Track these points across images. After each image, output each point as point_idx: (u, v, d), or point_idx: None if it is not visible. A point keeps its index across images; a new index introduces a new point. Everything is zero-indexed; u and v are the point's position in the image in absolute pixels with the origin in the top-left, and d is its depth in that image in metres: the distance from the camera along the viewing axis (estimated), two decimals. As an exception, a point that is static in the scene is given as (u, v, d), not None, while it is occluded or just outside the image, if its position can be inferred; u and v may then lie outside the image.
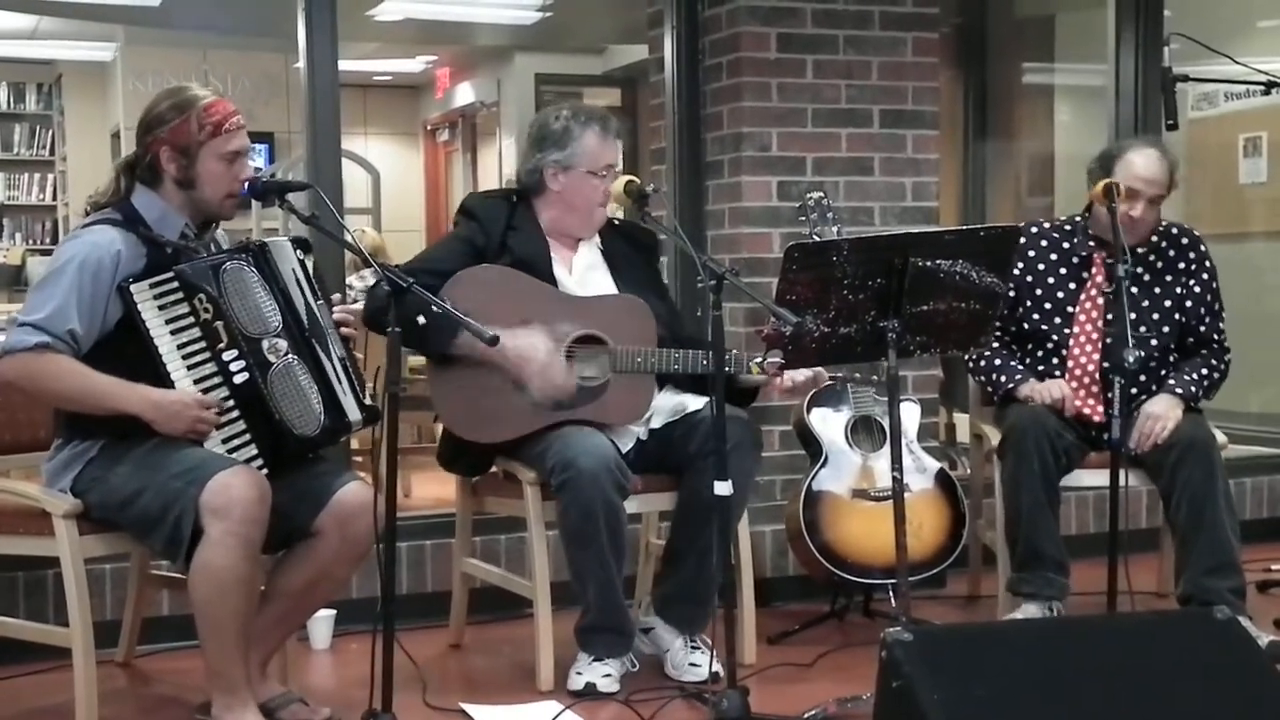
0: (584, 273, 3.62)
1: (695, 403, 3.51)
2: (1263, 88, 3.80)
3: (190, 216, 3.08)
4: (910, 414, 4.05)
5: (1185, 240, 3.98)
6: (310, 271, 3.14)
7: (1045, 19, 6.96)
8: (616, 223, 3.71)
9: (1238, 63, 3.87)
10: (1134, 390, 3.86)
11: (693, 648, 3.58)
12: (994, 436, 3.93)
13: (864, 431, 3.98)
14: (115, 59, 10.51)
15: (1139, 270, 3.91)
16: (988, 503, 4.14)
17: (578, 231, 3.63)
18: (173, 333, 2.96)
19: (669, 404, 3.57)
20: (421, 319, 3.21)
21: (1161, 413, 3.78)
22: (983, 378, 3.99)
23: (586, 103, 4.47)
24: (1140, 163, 3.81)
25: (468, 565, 3.85)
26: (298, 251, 3.13)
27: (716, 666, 3.57)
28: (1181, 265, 3.96)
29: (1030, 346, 3.96)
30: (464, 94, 11.71)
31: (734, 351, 3.48)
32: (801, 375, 3.45)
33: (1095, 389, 3.85)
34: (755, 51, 4.29)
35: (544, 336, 3.42)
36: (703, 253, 3.44)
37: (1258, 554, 4.47)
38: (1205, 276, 3.96)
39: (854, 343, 3.16)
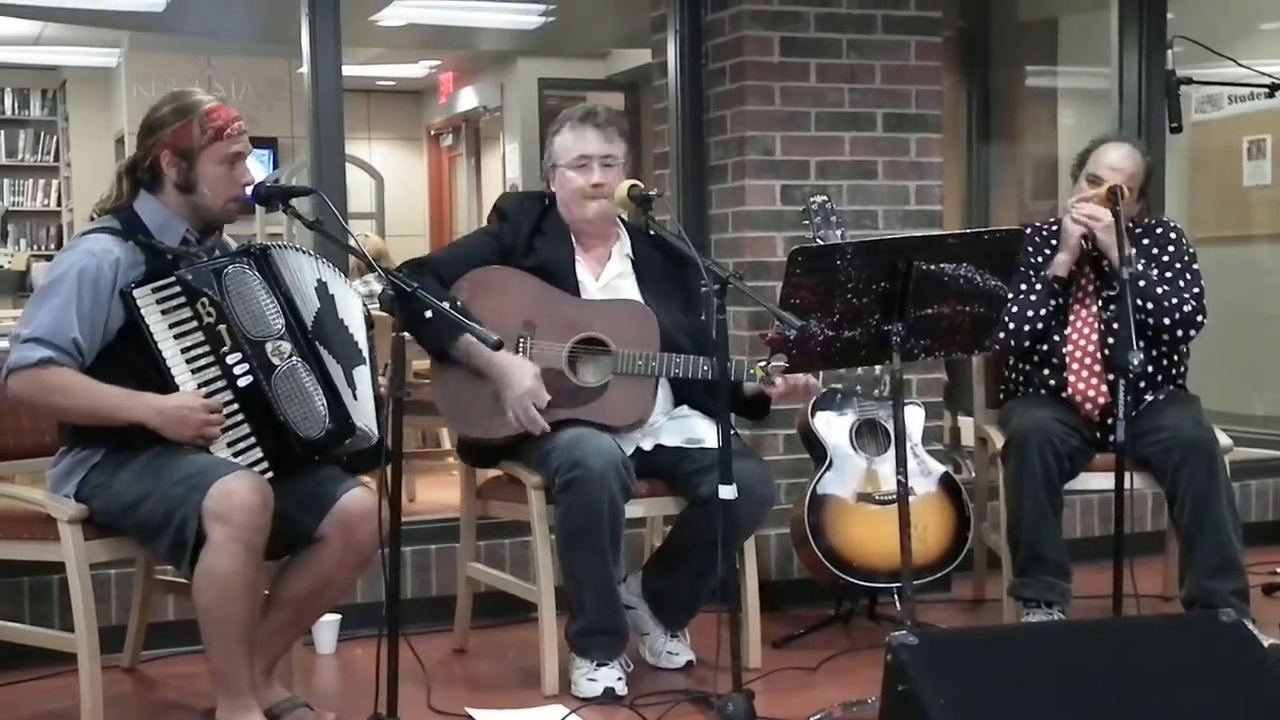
0: (612, 279, 3.63)
1: (710, 433, 3.42)
2: (1266, 90, 3.79)
3: (192, 222, 3.09)
4: (915, 417, 4.05)
5: (1159, 230, 4.02)
6: (368, 318, 3.21)
7: (1048, 22, 6.96)
8: (652, 234, 3.66)
9: (1241, 65, 3.87)
10: (1141, 384, 3.87)
11: (672, 636, 3.67)
12: (998, 440, 3.93)
13: (868, 435, 3.98)
14: (119, 65, 10.52)
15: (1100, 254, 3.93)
16: (992, 506, 4.14)
17: (581, 229, 3.62)
18: (176, 337, 2.97)
19: (681, 425, 3.57)
20: (429, 314, 3.26)
21: (1100, 214, 3.78)
22: (1031, 312, 3.90)
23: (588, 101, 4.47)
24: (1110, 151, 3.91)
25: (472, 570, 3.85)
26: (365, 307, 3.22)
27: (691, 655, 3.63)
28: (1156, 252, 3.97)
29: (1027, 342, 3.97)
30: (467, 99, 11.72)
31: (735, 359, 3.46)
32: (800, 377, 3.43)
33: (1098, 369, 3.85)
34: (758, 56, 4.29)
35: (528, 367, 3.43)
36: (706, 257, 3.43)
37: (1263, 556, 4.47)
38: (1186, 258, 3.95)
39: (858, 346, 3.16)
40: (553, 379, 3.47)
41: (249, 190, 3.08)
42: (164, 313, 2.96)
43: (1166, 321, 3.84)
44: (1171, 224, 4.06)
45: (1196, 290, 3.90)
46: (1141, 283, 3.81)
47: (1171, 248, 3.97)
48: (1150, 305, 3.82)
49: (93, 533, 3.01)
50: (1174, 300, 3.85)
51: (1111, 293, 3.87)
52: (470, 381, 3.46)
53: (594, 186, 3.53)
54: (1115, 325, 3.79)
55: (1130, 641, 2.62)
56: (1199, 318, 3.87)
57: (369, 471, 3.20)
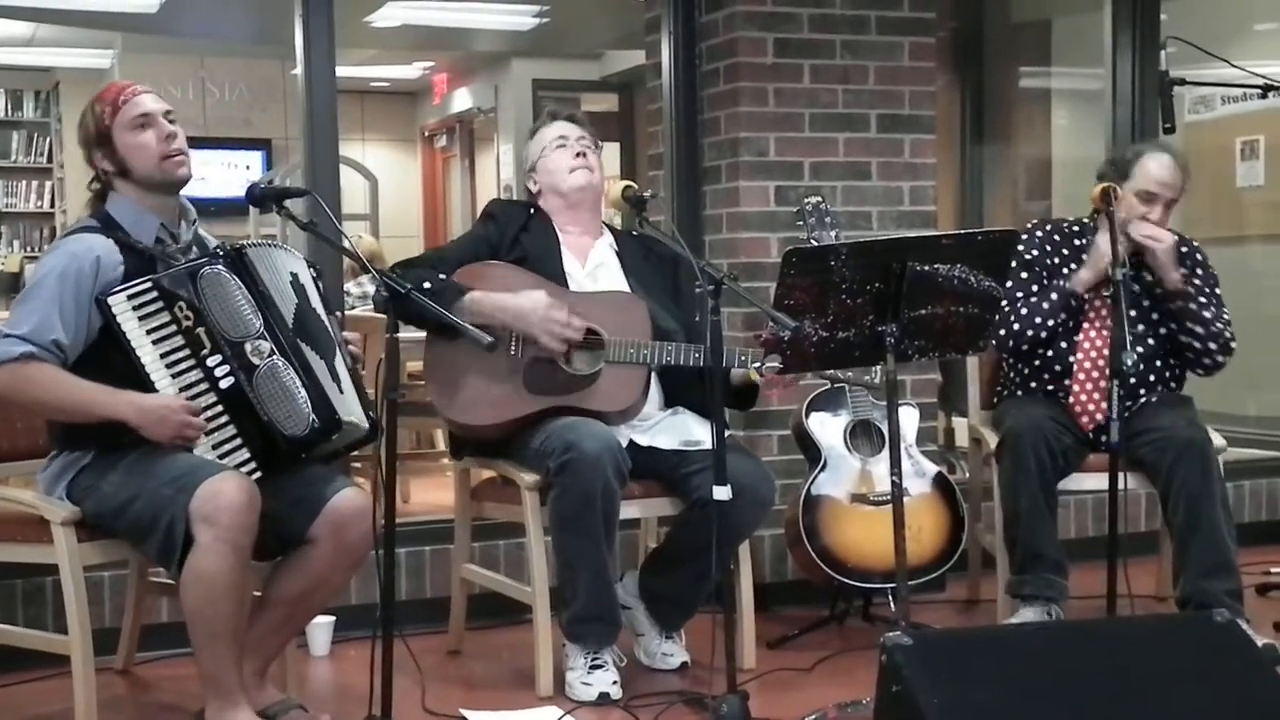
0: (595, 269, 3.67)
1: (706, 435, 3.39)
2: (1260, 91, 3.79)
3: (156, 205, 3.08)
4: (909, 418, 4.05)
5: (1184, 249, 4.00)
6: (321, 289, 3.20)
7: (1042, 23, 6.97)
8: (635, 233, 3.73)
9: (1235, 66, 3.87)
10: (1140, 388, 3.87)
11: (667, 638, 3.67)
12: (992, 440, 3.94)
13: (862, 436, 3.98)
14: (113, 66, 10.50)
15: (1144, 272, 3.92)
16: (986, 506, 4.14)
17: (574, 203, 3.67)
18: (154, 342, 2.96)
19: (676, 428, 3.57)
20: (428, 284, 3.31)
21: (1163, 235, 3.82)
22: (1039, 319, 3.90)
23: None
24: (1155, 167, 3.88)
25: (467, 571, 3.85)
26: (311, 270, 3.19)
27: (686, 656, 3.63)
28: (1185, 275, 3.96)
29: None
30: (461, 100, 11.71)
31: (727, 348, 3.46)
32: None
33: (1103, 384, 3.83)
34: (752, 57, 4.30)
35: (539, 291, 3.47)
36: (700, 258, 3.43)
37: (1257, 557, 4.47)
38: (1213, 282, 3.98)
39: (852, 347, 3.16)
40: (546, 369, 3.48)
41: (179, 143, 3.06)
42: (141, 319, 2.95)
43: (1213, 346, 3.88)
44: (1195, 244, 4.05)
45: (1227, 317, 3.94)
46: (1192, 305, 3.84)
47: (1201, 271, 3.99)
48: (1200, 330, 3.86)
49: (85, 535, 3.01)
50: (1218, 326, 3.88)
51: (1133, 311, 3.87)
52: (464, 367, 3.46)
53: (578, 156, 3.65)
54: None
55: (1124, 642, 2.62)
56: (1233, 344, 3.91)
57: (357, 451, 3.19)
